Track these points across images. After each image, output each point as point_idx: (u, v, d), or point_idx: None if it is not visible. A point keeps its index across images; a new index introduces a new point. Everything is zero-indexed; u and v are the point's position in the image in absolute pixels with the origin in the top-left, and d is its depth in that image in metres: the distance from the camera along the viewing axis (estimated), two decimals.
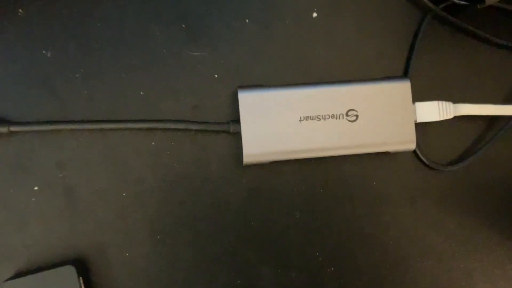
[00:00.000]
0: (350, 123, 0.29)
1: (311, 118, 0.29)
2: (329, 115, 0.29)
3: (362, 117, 0.29)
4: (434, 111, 0.30)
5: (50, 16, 0.28)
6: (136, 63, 0.29)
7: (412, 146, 0.29)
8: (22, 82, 0.28)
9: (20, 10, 0.28)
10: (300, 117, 0.28)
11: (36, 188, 0.28)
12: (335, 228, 0.30)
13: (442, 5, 0.31)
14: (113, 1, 0.29)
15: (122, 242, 0.28)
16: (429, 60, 0.32)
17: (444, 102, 0.30)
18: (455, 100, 0.31)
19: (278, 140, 0.28)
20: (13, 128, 0.27)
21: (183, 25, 0.29)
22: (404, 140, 0.29)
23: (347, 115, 0.29)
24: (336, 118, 0.29)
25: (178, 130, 0.29)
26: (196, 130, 0.29)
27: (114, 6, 0.29)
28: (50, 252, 0.28)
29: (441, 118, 0.30)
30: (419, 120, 0.30)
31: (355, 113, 0.29)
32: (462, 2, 0.30)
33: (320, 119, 0.29)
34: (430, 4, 0.31)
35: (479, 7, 0.30)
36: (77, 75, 0.28)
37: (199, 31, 0.30)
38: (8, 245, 0.27)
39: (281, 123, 0.28)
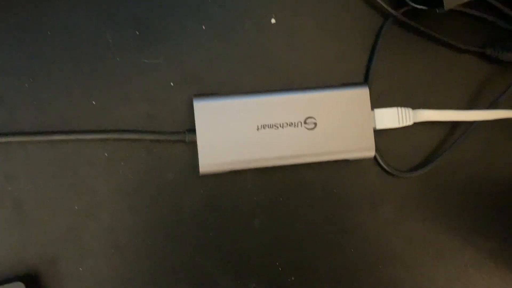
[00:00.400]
0: (309, 131, 0.28)
1: (269, 126, 0.28)
2: (287, 123, 0.28)
3: (321, 124, 0.28)
4: (393, 117, 0.30)
5: None
6: (87, 71, 0.28)
7: (371, 153, 0.29)
8: None
9: None
10: (258, 126, 0.28)
11: None
12: (295, 236, 0.30)
13: (402, 10, 0.31)
14: (63, 7, 0.28)
15: (74, 256, 0.28)
16: (390, 65, 0.31)
17: (403, 109, 0.30)
18: (417, 105, 0.31)
19: (235, 149, 0.28)
20: None
21: (137, 32, 0.29)
22: (363, 147, 0.29)
23: (305, 123, 0.28)
24: (294, 126, 0.28)
25: (132, 140, 0.28)
26: (151, 140, 0.28)
27: (63, 12, 0.28)
28: None
29: (401, 125, 0.30)
30: (378, 127, 0.30)
31: (313, 120, 0.28)
32: (421, 7, 0.30)
33: (278, 127, 0.28)
34: (390, 9, 0.31)
35: (438, 11, 0.29)
36: (26, 84, 0.28)
37: (153, 38, 0.29)
38: None
39: (238, 132, 0.28)
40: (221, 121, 0.28)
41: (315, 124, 0.28)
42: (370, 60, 0.31)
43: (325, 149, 0.29)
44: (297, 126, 0.28)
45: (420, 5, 0.30)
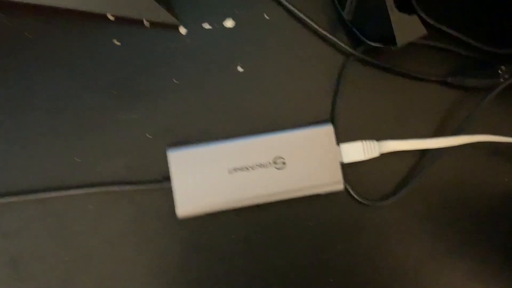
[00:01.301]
0: (278, 170, 0.30)
1: (240, 169, 0.30)
2: (257, 165, 0.30)
3: (289, 163, 0.30)
4: (359, 151, 0.31)
5: None
6: (70, 131, 0.31)
7: (339, 186, 0.30)
8: None
9: None
10: (229, 169, 0.30)
11: None
12: (277, 270, 0.31)
13: (361, 49, 0.33)
14: (44, 72, 0.31)
15: None
16: (354, 101, 0.33)
17: (368, 141, 0.31)
18: (385, 137, 0.32)
19: (209, 192, 0.30)
20: None
21: (114, 92, 0.31)
22: (331, 182, 0.30)
23: (274, 162, 0.30)
24: (264, 166, 0.30)
25: (115, 191, 0.30)
26: (131, 190, 0.30)
27: (45, 77, 0.31)
28: None
29: (367, 157, 0.31)
30: (345, 161, 0.31)
31: (282, 160, 0.30)
32: (377, 45, 0.32)
33: (248, 169, 0.30)
34: (350, 49, 0.33)
35: (393, 48, 0.31)
36: (14, 146, 0.30)
37: (130, 96, 0.31)
38: None
39: (211, 176, 0.30)
40: (195, 167, 0.30)
41: (284, 163, 0.30)
42: (334, 98, 0.33)
43: (295, 186, 0.30)
44: (267, 167, 0.30)
45: (377, 43, 0.32)
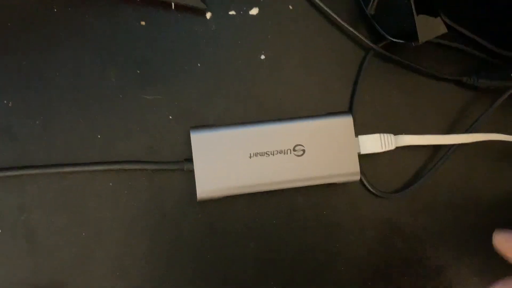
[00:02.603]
0: (297, 157, 0.31)
1: (260, 154, 0.30)
2: (277, 151, 0.30)
3: (309, 151, 0.31)
4: (376, 143, 0.32)
5: (10, 68, 0.30)
6: (93, 108, 0.31)
7: (356, 177, 0.31)
8: None
9: None
10: (250, 154, 0.30)
11: None
12: (288, 257, 0.32)
13: (381, 44, 0.34)
14: (69, 49, 0.31)
15: (82, 280, 0.30)
16: (372, 95, 0.34)
17: (386, 135, 0.32)
18: (399, 131, 0.33)
19: (229, 176, 0.30)
20: None
21: (138, 71, 0.31)
22: (348, 172, 0.31)
23: (294, 150, 0.31)
24: (284, 153, 0.31)
25: (135, 170, 0.30)
26: (152, 170, 0.31)
27: (70, 54, 0.31)
28: None
29: (384, 150, 0.32)
30: (362, 152, 0.32)
31: (301, 148, 0.31)
32: (399, 41, 0.33)
33: (269, 154, 0.30)
34: (370, 43, 0.33)
35: (414, 44, 0.32)
36: (37, 122, 0.30)
37: (153, 76, 0.32)
38: None
39: (232, 160, 0.30)
40: (216, 150, 0.30)
41: (304, 151, 0.31)
42: (353, 91, 0.34)
43: (313, 174, 0.31)
44: (287, 153, 0.31)
45: (398, 39, 0.33)
